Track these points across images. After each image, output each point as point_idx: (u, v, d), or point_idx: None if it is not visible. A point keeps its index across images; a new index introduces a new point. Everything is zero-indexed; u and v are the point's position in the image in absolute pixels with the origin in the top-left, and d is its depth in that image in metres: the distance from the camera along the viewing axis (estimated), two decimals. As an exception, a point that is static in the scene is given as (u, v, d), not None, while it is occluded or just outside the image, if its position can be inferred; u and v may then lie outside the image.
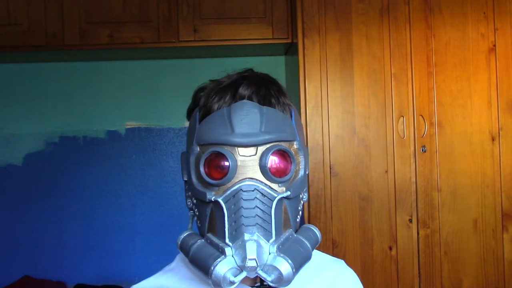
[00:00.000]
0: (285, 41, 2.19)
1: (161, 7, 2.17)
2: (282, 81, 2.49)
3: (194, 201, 0.77)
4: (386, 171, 1.97)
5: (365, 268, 1.96)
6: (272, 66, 2.49)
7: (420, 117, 1.98)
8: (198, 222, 0.78)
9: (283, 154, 0.73)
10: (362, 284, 0.95)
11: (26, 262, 2.46)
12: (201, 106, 0.79)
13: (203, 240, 0.74)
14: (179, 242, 0.77)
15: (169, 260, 0.89)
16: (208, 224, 0.75)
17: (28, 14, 2.16)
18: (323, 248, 1.93)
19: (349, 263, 0.97)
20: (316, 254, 0.93)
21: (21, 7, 2.16)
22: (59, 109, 2.51)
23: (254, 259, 0.67)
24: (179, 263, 0.87)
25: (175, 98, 2.49)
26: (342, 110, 1.98)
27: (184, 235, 0.77)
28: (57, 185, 2.49)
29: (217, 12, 2.18)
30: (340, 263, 0.95)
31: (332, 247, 1.95)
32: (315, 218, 1.96)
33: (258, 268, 0.68)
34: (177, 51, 2.31)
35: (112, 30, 2.16)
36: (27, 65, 2.50)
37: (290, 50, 2.29)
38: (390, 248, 1.97)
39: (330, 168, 1.97)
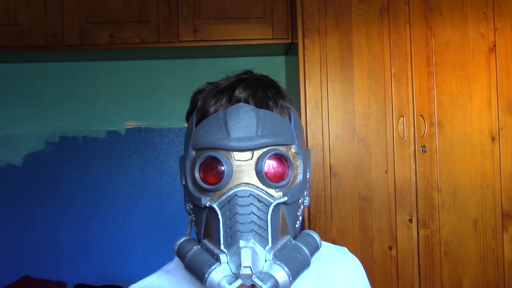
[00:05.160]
0: (285, 41, 2.19)
1: (161, 7, 2.17)
2: (282, 81, 2.51)
3: (191, 206, 0.76)
4: (386, 171, 1.97)
5: (365, 268, 1.95)
6: (272, 66, 2.49)
7: (420, 117, 1.98)
8: (196, 228, 0.77)
9: (280, 158, 0.71)
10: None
11: (26, 262, 2.46)
12: (198, 109, 0.78)
13: (199, 247, 0.73)
14: (176, 248, 0.75)
15: (169, 260, 0.89)
16: (204, 230, 0.73)
17: (28, 14, 2.16)
18: (323, 248, 1.93)
19: (349, 263, 0.97)
20: None
21: (21, 7, 2.16)
22: (59, 109, 2.51)
23: (249, 266, 0.66)
24: (178, 265, 0.85)
25: (175, 98, 2.49)
26: (342, 110, 1.98)
27: (181, 240, 0.76)
28: (57, 185, 2.49)
29: (217, 12, 2.18)
30: (343, 251, 0.95)
31: (332, 247, 1.95)
32: (315, 218, 1.96)
33: (253, 276, 0.66)
34: (177, 51, 2.31)
35: (112, 30, 2.16)
36: (27, 65, 2.50)
37: (290, 50, 2.29)
38: (390, 248, 1.97)
39: (330, 168, 1.97)
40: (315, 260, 0.88)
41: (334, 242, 1.95)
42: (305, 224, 1.97)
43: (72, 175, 2.50)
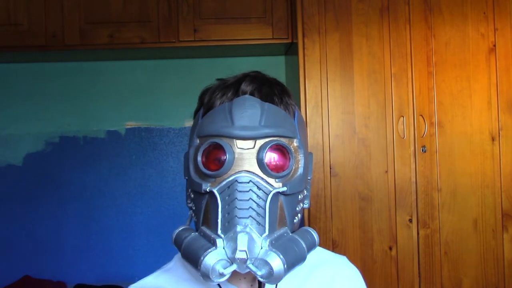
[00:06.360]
0: (285, 41, 2.19)
1: (161, 7, 2.17)
2: (282, 81, 2.50)
3: (192, 195, 0.77)
4: (386, 171, 1.97)
5: (365, 268, 1.96)
6: (272, 66, 2.49)
7: (420, 117, 1.98)
8: (195, 217, 0.77)
9: (282, 149, 0.73)
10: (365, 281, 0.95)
11: (26, 262, 2.46)
12: (205, 104, 0.80)
13: (196, 233, 0.73)
14: (174, 236, 0.76)
15: (169, 260, 0.89)
16: (203, 216, 0.74)
17: (28, 14, 2.16)
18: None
19: (349, 263, 0.96)
20: (318, 250, 0.92)
21: (21, 7, 2.16)
22: (59, 109, 2.51)
23: (245, 250, 0.66)
24: (177, 263, 0.86)
25: (175, 98, 2.49)
26: (342, 110, 1.98)
27: (179, 229, 0.76)
28: (57, 185, 2.49)
29: (217, 12, 2.18)
30: (342, 259, 0.95)
31: (332, 247, 1.95)
32: (315, 218, 1.96)
33: (248, 262, 0.67)
34: (177, 51, 2.31)
35: (112, 30, 2.16)
36: (27, 65, 2.50)
37: (290, 50, 2.29)
38: (390, 248, 1.97)
39: (330, 168, 1.97)
40: (315, 267, 0.87)
41: (334, 242, 1.95)
42: (305, 224, 1.97)
43: (72, 175, 2.50)
